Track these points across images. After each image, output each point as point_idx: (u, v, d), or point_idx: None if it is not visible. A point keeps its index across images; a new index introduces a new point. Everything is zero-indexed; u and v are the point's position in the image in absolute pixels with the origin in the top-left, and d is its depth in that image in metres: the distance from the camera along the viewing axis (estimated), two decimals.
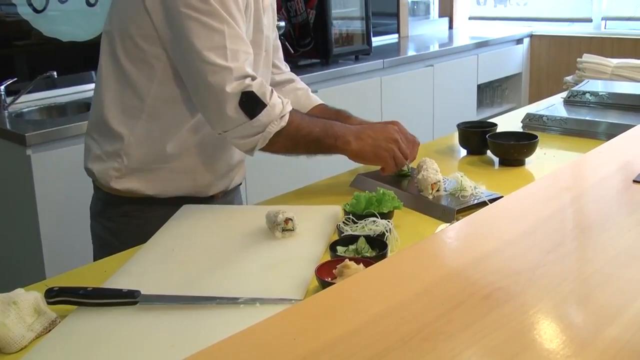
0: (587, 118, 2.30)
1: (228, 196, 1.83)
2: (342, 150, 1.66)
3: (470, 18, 5.94)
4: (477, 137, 2.05)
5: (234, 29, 1.51)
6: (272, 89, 1.57)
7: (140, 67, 1.57)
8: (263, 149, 1.59)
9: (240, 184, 1.90)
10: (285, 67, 2.01)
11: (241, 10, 1.55)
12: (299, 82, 2.03)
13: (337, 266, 1.18)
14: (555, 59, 5.38)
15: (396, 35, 5.22)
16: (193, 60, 1.49)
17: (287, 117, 1.57)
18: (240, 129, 1.53)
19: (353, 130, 1.68)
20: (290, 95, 1.94)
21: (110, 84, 1.62)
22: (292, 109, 1.61)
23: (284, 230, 1.43)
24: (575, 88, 2.62)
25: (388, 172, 1.73)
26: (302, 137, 1.62)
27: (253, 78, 1.52)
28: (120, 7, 1.60)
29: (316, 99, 2.01)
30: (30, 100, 3.12)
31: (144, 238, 1.48)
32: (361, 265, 1.18)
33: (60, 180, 2.62)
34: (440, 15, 5.77)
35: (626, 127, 1.67)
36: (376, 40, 4.56)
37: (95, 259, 1.70)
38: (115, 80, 1.61)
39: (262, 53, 1.72)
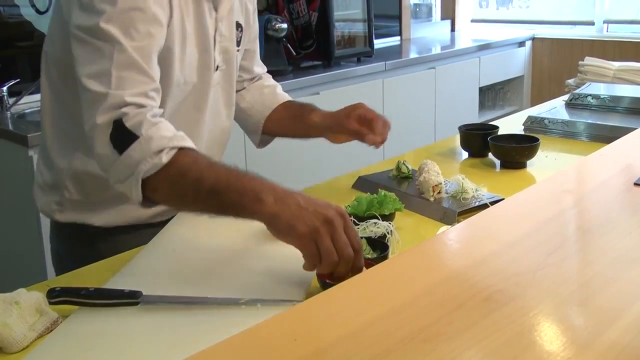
0: (589, 121, 2.30)
1: None
2: (252, 211, 1.17)
3: (472, 21, 5.94)
4: (479, 140, 2.05)
5: (129, 55, 1.24)
6: (158, 121, 1.24)
7: (77, 94, 1.30)
8: (150, 199, 1.25)
9: None
10: (259, 69, 1.81)
11: (152, 35, 1.29)
12: (267, 79, 1.83)
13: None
14: (557, 61, 5.38)
15: (398, 38, 5.22)
16: (79, 87, 1.26)
17: (169, 154, 1.20)
18: (114, 169, 1.23)
19: (277, 189, 1.18)
20: (255, 93, 1.78)
21: (49, 111, 1.48)
22: (188, 147, 1.24)
23: None
24: (577, 91, 2.62)
25: (310, 262, 1.15)
26: (189, 185, 1.21)
27: (139, 106, 1.23)
28: (54, 28, 1.44)
29: (283, 97, 1.79)
30: (33, 102, 3.12)
31: (93, 259, 1.40)
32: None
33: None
34: (443, 17, 5.77)
35: (627, 130, 1.67)
36: (378, 43, 4.57)
37: (57, 273, 1.60)
38: (53, 106, 1.47)
39: (210, 74, 1.51)
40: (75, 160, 1.47)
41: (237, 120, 1.77)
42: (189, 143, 1.25)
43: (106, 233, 1.53)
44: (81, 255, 1.48)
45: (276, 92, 1.80)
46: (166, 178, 1.21)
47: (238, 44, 1.62)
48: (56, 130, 1.49)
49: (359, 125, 1.61)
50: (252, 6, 1.70)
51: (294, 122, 1.73)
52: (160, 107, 1.30)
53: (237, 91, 1.72)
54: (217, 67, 1.55)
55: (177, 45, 1.40)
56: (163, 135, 1.22)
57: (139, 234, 1.51)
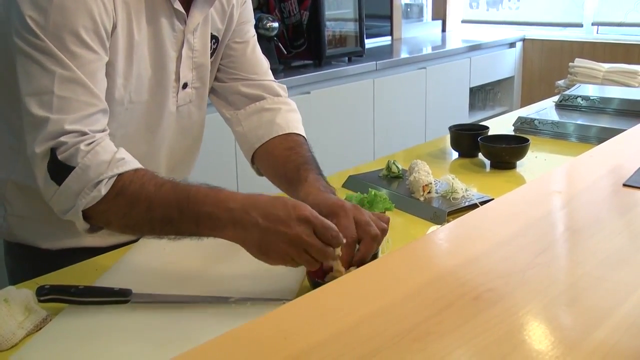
0: (579, 122, 2.32)
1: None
2: (214, 236, 1.16)
3: (463, 21, 5.95)
4: (469, 140, 2.06)
5: (71, 70, 1.16)
6: (94, 146, 1.15)
7: (14, 104, 1.23)
8: (101, 228, 1.21)
9: None
10: (256, 75, 1.58)
11: (93, 49, 1.19)
12: (271, 100, 1.56)
13: (329, 274, 1.18)
14: (547, 63, 5.41)
15: (389, 38, 5.22)
16: (22, 108, 1.17)
17: (106, 185, 1.13)
18: (55, 201, 1.17)
19: (233, 209, 1.12)
20: (252, 118, 1.54)
21: None
22: (131, 170, 1.16)
23: None
24: (567, 92, 2.63)
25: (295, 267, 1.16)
26: (140, 216, 1.15)
27: (82, 134, 1.15)
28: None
29: (279, 128, 1.51)
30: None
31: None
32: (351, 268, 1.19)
33: None
34: (434, 18, 5.78)
35: (617, 132, 1.68)
36: (369, 42, 4.57)
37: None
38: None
39: (167, 94, 1.40)
40: (15, 171, 1.39)
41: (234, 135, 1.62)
42: (129, 165, 1.17)
43: (58, 257, 1.40)
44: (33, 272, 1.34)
45: (274, 121, 1.52)
46: (115, 210, 1.15)
47: (211, 55, 1.49)
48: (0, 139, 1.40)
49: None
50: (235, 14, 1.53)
51: (287, 188, 1.45)
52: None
53: (236, 106, 1.57)
54: (185, 84, 1.44)
55: (121, 60, 1.28)
56: (100, 161, 1.14)
57: (94, 260, 1.38)
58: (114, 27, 1.25)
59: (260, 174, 1.58)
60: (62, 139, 1.13)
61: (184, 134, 1.51)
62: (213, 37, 1.48)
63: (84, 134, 1.15)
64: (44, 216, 1.34)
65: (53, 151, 1.14)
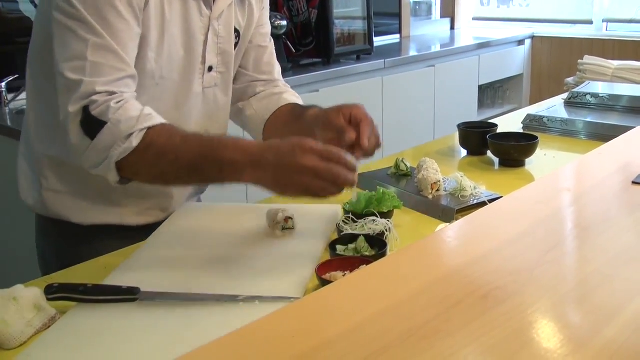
0: (588, 119, 2.31)
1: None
2: (234, 181, 1.25)
3: (474, 19, 5.94)
4: (478, 138, 2.05)
5: (104, 38, 1.25)
6: (123, 104, 1.25)
7: (52, 81, 1.32)
8: (130, 179, 1.31)
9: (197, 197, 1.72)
10: (278, 75, 1.73)
11: (126, 19, 1.28)
12: (276, 85, 1.72)
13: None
14: (556, 60, 5.38)
15: (398, 36, 5.21)
16: (55, 73, 1.27)
17: (138, 137, 1.23)
18: (87, 156, 1.26)
19: (251, 153, 1.21)
20: (264, 101, 1.67)
21: (32, 97, 1.49)
22: (159, 125, 1.27)
23: (284, 228, 1.43)
24: (576, 89, 2.62)
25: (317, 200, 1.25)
26: (168, 165, 1.25)
27: (110, 93, 1.25)
28: (36, 21, 1.44)
29: (287, 100, 1.67)
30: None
31: (78, 262, 1.39)
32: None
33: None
34: (442, 15, 5.77)
35: (626, 129, 1.67)
36: (378, 40, 4.56)
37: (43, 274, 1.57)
38: (35, 94, 1.48)
39: (194, 74, 1.48)
40: (53, 147, 1.47)
41: (244, 128, 1.74)
42: (157, 120, 1.27)
43: (89, 234, 1.51)
44: (66, 257, 1.46)
45: (281, 97, 1.67)
46: (144, 161, 1.25)
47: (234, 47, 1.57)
48: (38, 121, 1.49)
49: (347, 123, 1.42)
50: (264, 3, 1.65)
51: (292, 123, 1.60)
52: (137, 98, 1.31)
53: (249, 97, 1.68)
54: (211, 68, 1.51)
55: (154, 35, 1.37)
56: (130, 116, 1.24)
57: (122, 237, 1.46)
58: (147, 2, 1.33)
59: None
60: (94, 97, 1.23)
61: (210, 117, 1.57)
62: (235, 30, 1.56)
63: (113, 93, 1.25)
64: (78, 191, 1.47)
65: (86, 109, 1.23)
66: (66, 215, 1.52)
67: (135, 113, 1.25)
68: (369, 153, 1.38)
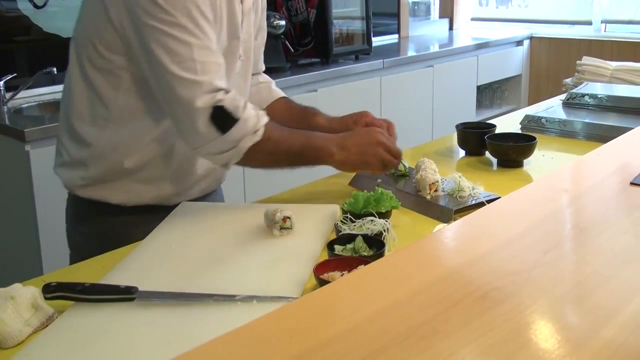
0: (586, 120, 2.31)
1: (202, 200, 1.76)
2: (326, 162, 1.60)
3: (472, 19, 5.94)
4: (476, 138, 2.05)
5: (202, 39, 1.43)
6: (245, 102, 1.49)
7: (106, 75, 1.52)
8: (241, 164, 1.56)
9: (215, 190, 1.84)
10: (262, 66, 1.95)
11: (209, 19, 1.47)
12: (262, 75, 1.97)
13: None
14: (554, 61, 5.39)
15: (396, 36, 5.22)
16: (161, 73, 1.43)
17: (261, 132, 1.50)
18: (213, 144, 1.47)
19: (336, 140, 1.60)
20: (251, 89, 1.86)
21: (78, 92, 1.57)
22: (269, 121, 1.53)
23: (282, 228, 1.43)
24: (574, 90, 2.62)
25: (380, 174, 1.71)
26: (282, 153, 1.56)
27: (226, 91, 1.45)
28: (85, 14, 1.55)
29: (278, 93, 1.95)
30: (30, 96, 3.12)
31: (114, 245, 1.46)
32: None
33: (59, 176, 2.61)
34: (441, 16, 5.78)
35: (624, 130, 1.68)
36: (376, 40, 4.56)
37: (71, 263, 1.67)
38: (83, 88, 1.56)
39: (236, 61, 1.65)
40: (103, 137, 1.56)
41: None
42: (266, 117, 1.53)
43: (122, 211, 1.62)
44: (98, 230, 1.64)
45: (271, 88, 1.93)
46: (264, 150, 1.51)
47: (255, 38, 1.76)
48: (86, 111, 1.57)
49: None
50: (263, 4, 1.80)
51: (297, 124, 1.78)
52: None
53: None
54: (240, 56, 1.65)
55: (217, 29, 1.53)
56: (252, 114, 1.49)
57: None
58: (218, 13, 1.52)
59: None
60: (218, 95, 1.43)
61: None
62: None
63: (227, 91, 1.46)
64: (122, 173, 1.59)
65: (216, 107, 1.43)
66: (105, 197, 1.61)
67: (253, 112, 1.50)
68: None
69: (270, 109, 1.85)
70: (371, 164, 1.61)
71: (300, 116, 1.82)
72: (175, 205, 1.65)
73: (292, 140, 1.57)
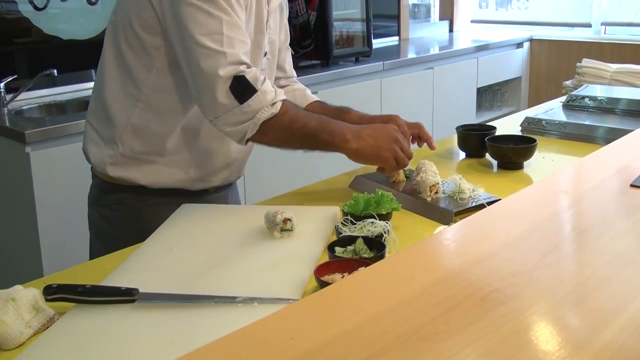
0: (586, 122, 2.31)
1: (221, 191, 1.84)
2: (340, 148, 1.62)
3: (472, 21, 5.95)
4: (476, 140, 2.06)
5: (232, 17, 1.50)
6: (265, 78, 1.55)
7: (140, 56, 1.60)
8: (256, 140, 1.58)
9: (235, 181, 1.90)
10: (291, 72, 2.02)
11: (240, 4, 1.54)
12: (297, 83, 2.04)
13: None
14: (554, 63, 5.39)
15: (396, 38, 5.22)
16: (189, 45, 1.49)
17: (278, 105, 1.54)
18: (231, 115, 1.51)
19: (352, 128, 1.63)
20: (287, 94, 1.86)
21: (111, 72, 1.65)
22: (287, 99, 1.58)
23: (282, 230, 1.43)
24: (575, 92, 2.62)
25: (389, 171, 1.72)
26: (297, 130, 1.58)
27: (248, 66, 1.51)
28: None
29: (313, 97, 2.00)
30: (30, 98, 3.12)
31: (137, 226, 1.54)
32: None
33: (59, 178, 2.62)
34: (441, 18, 5.78)
35: (624, 132, 1.68)
36: (376, 42, 4.57)
37: (91, 248, 1.76)
38: (116, 68, 1.64)
39: (261, 56, 1.71)
40: (134, 115, 1.64)
41: None
42: (284, 94, 1.58)
43: (149, 193, 1.69)
44: (123, 213, 1.71)
45: (306, 94, 1.99)
46: (279, 125, 1.55)
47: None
48: (117, 90, 1.65)
49: None
50: (285, 4, 1.89)
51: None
52: None
53: None
54: (265, 53, 1.72)
55: (246, 15, 1.60)
56: (271, 89, 1.53)
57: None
58: (249, 3, 1.60)
59: None
60: (242, 67, 1.49)
61: None
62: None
63: (250, 66, 1.52)
64: (151, 154, 1.66)
65: (237, 77, 1.48)
66: (135, 178, 1.68)
67: (271, 87, 1.54)
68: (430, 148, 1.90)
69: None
70: (385, 159, 1.65)
71: (335, 114, 1.83)
72: (199, 192, 1.74)
73: (308, 120, 1.60)
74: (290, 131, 1.58)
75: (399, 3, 5.18)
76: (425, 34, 5.53)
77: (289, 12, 1.94)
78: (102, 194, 1.74)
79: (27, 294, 1.12)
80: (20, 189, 2.62)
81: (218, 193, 1.82)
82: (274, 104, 1.53)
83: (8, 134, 2.65)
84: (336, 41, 3.94)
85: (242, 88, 1.49)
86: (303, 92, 1.99)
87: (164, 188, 1.70)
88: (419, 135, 1.87)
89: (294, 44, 3.85)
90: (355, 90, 3.86)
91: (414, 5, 5.48)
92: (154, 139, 1.65)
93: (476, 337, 0.72)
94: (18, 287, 1.14)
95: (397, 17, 5.22)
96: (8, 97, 2.99)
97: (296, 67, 3.79)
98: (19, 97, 3.04)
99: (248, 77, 1.49)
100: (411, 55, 4.61)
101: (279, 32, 1.82)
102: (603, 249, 0.95)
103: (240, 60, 1.50)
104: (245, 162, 1.86)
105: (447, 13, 5.79)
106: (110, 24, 1.67)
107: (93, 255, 1.71)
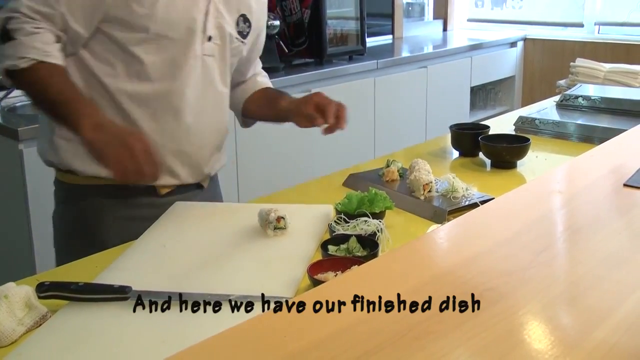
0: (579, 122, 2.32)
1: (175, 195, 1.69)
2: (75, 131, 1.42)
3: (468, 20, 5.95)
4: (470, 139, 2.06)
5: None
6: (39, 34, 1.47)
7: (92, 51, 1.56)
8: (17, 86, 1.56)
9: (205, 183, 1.78)
10: (252, 71, 1.93)
11: None
12: (260, 73, 1.97)
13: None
14: (548, 62, 5.40)
15: (390, 36, 5.22)
16: None
17: (26, 62, 1.44)
18: None
19: (102, 119, 1.45)
20: (248, 84, 1.92)
21: None
22: (51, 63, 1.47)
23: (275, 228, 1.43)
24: (568, 92, 2.63)
25: (118, 178, 1.40)
26: (35, 92, 1.50)
27: (27, 18, 1.46)
28: None
29: (264, 83, 1.94)
30: (23, 95, 3.11)
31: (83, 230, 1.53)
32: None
33: (52, 175, 2.60)
34: (435, 17, 5.78)
35: (618, 132, 1.68)
36: (370, 41, 4.56)
37: (55, 248, 1.73)
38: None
39: (194, 37, 1.59)
40: None
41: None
42: (53, 60, 1.47)
43: (98, 192, 1.63)
44: (79, 211, 1.66)
45: (256, 80, 1.93)
46: (24, 81, 1.49)
47: (244, 36, 1.73)
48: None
49: (315, 111, 1.68)
50: (264, 19, 1.83)
51: (267, 105, 1.86)
52: (147, 53, 1.54)
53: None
54: (210, 37, 1.63)
55: None
56: (33, 45, 1.46)
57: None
58: None
59: (244, 126, 1.97)
60: (16, 15, 1.46)
61: (207, 87, 1.67)
62: (246, 19, 1.73)
63: (32, 19, 1.47)
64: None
65: (6, 20, 1.46)
66: (74, 164, 1.62)
67: (38, 45, 1.46)
68: (338, 127, 1.67)
69: (249, 98, 1.89)
70: (104, 160, 1.39)
71: (271, 98, 1.84)
72: (144, 194, 1.64)
73: (52, 89, 1.47)
74: (32, 91, 1.51)
75: (393, 2, 5.18)
76: (419, 32, 5.53)
77: (283, 10, 1.92)
78: (57, 191, 1.74)
79: (20, 292, 1.12)
80: (13, 185, 2.61)
81: (170, 197, 1.68)
82: (21, 58, 1.44)
83: (1, 130, 2.64)
84: (330, 39, 3.93)
85: (3, 31, 1.46)
86: (253, 80, 1.93)
87: (115, 185, 1.55)
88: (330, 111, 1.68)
89: (288, 41, 3.85)
90: (349, 89, 3.86)
91: (408, 4, 5.48)
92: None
93: (469, 336, 0.72)
94: (11, 285, 1.14)
95: (391, 16, 5.22)
96: (1, 94, 2.98)
97: (290, 65, 3.82)
98: (12, 94, 3.02)
99: (12, 25, 1.45)
100: (405, 54, 4.61)
101: (234, 22, 1.69)
102: (596, 248, 0.95)
103: (17, 9, 1.46)
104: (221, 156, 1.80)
105: (441, 12, 5.79)
106: None
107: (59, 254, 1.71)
